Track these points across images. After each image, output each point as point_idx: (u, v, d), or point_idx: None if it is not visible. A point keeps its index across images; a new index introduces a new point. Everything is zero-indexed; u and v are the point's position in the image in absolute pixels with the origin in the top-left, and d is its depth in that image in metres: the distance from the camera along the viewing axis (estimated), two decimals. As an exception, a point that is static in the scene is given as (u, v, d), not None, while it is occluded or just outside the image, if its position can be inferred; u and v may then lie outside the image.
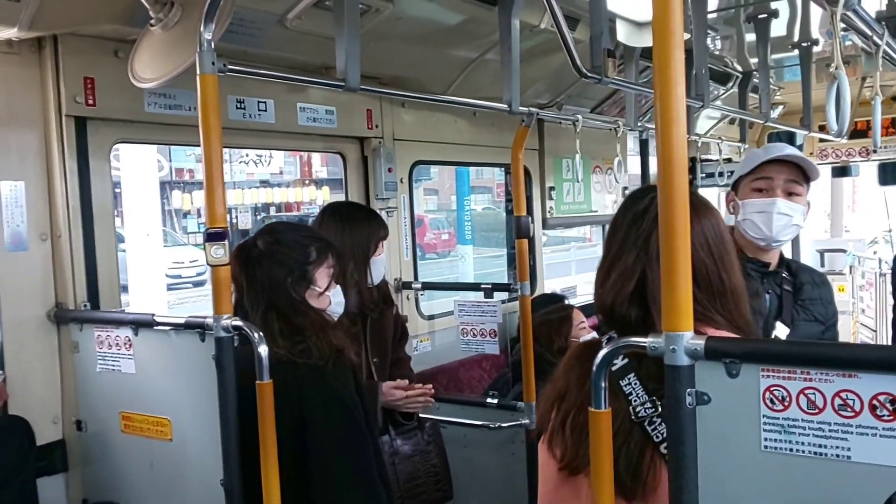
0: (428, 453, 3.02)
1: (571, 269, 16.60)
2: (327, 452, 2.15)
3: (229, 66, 2.04)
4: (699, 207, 1.60)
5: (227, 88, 3.10)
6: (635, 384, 1.63)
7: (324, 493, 2.15)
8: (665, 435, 1.54)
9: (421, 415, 3.09)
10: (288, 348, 2.17)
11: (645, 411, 1.60)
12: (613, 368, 1.65)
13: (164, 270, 10.37)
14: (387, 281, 3.28)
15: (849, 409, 1.22)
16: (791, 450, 1.27)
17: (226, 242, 2.03)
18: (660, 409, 1.57)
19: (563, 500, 1.76)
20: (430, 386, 3.03)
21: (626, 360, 1.65)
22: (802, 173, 2.58)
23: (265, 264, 2.28)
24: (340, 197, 4.08)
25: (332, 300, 2.40)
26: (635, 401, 1.62)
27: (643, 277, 1.62)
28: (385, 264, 3.12)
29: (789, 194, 2.59)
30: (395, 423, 3.00)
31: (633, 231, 1.66)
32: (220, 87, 2.01)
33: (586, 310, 4.08)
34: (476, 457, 3.34)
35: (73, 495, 2.71)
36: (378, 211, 3.82)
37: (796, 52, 4.25)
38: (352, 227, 2.97)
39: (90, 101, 2.72)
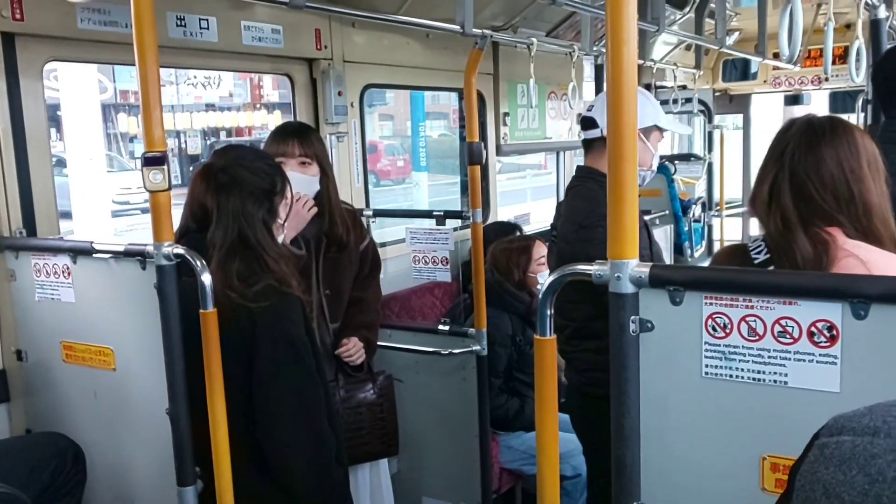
0: (376, 405, 2.94)
1: (527, 196, 16.65)
2: (273, 392, 2.10)
3: (163, -21, 1.92)
4: (837, 129, 1.79)
5: (165, 4, 2.95)
6: None
7: (267, 434, 2.11)
8: None
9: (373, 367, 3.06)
10: (241, 291, 2.08)
11: None
12: None
13: (109, 196, 10.09)
14: (352, 209, 3.14)
15: (788, 336, 1.24)
16: (731, 376, 1.29)
17: (164, 167, 1.96)
18: None
19: None
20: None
21: None
22: None
23: (236, 193, 2.16)
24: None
25: (285, 231, 2.35)
26: None
27: (774, 182, 1.78)
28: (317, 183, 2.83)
29: None
30: (345, 373, 2.92)
31: (773, 147, 1.84)
32: (158, 1, 1.90)
33: (543, 236, 4.09)
34: (428, 383, 3.37)
35: (16, 425, 2.67)
36: (327, 136, 3.73)
37: (753, -24, 4.21)
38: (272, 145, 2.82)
39: (17, 16, 2.56)
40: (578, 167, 2.93)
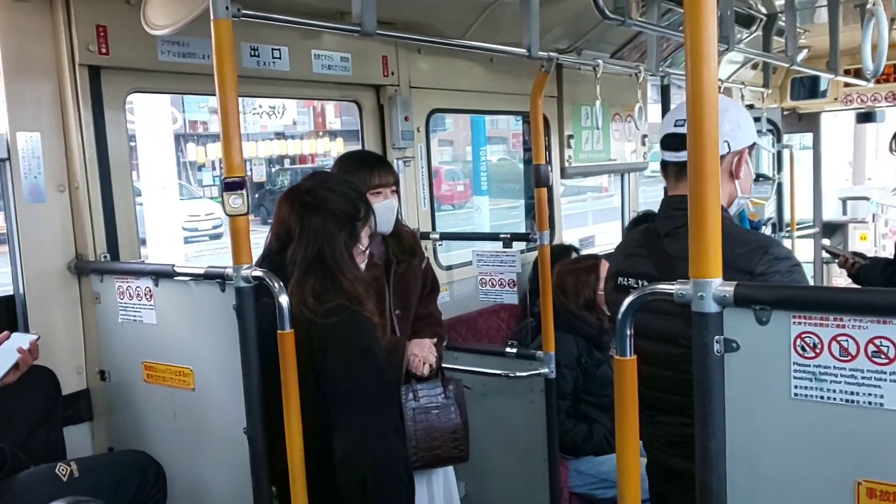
0: (447, 408, 2.95)
1: (588, 220, 16.53)
2: (348, 399, 2.11)
3: (243, 11, 1.99)
4: None
5: (240, 35, 3.02)
6: None
7: (341, 440, 2.10)
8: None
9: (445, 371, 3.07)
10: (314, 308, 2.11)
11: None
12: None
13: (180, 223, 10.41)
14: (413, 231, 3.23)
15: (882, 356, 1.20)
16: (822, 397, 1.26)
17: (244, 192, 2.02)
18: None
19: None
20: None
21: None
22: None
23: (320, 213, 2.20)
24: (355, 147, 4.02)
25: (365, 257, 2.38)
26: None
27: None
28: (389, 213, 2.91)
29: None
30: (418, 377, 2.93)
31: None
32: (233, 33, 1.97)
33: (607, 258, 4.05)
34: (495, 406, 3.36)
35: (99, 443, 2.76)
36: (394, 161, 3.78)
37: (824, -8, 4.12)
38: (346, 175, 2.89)
39: (103, 50, 2.69)
40: (674, 197, 2.23)
